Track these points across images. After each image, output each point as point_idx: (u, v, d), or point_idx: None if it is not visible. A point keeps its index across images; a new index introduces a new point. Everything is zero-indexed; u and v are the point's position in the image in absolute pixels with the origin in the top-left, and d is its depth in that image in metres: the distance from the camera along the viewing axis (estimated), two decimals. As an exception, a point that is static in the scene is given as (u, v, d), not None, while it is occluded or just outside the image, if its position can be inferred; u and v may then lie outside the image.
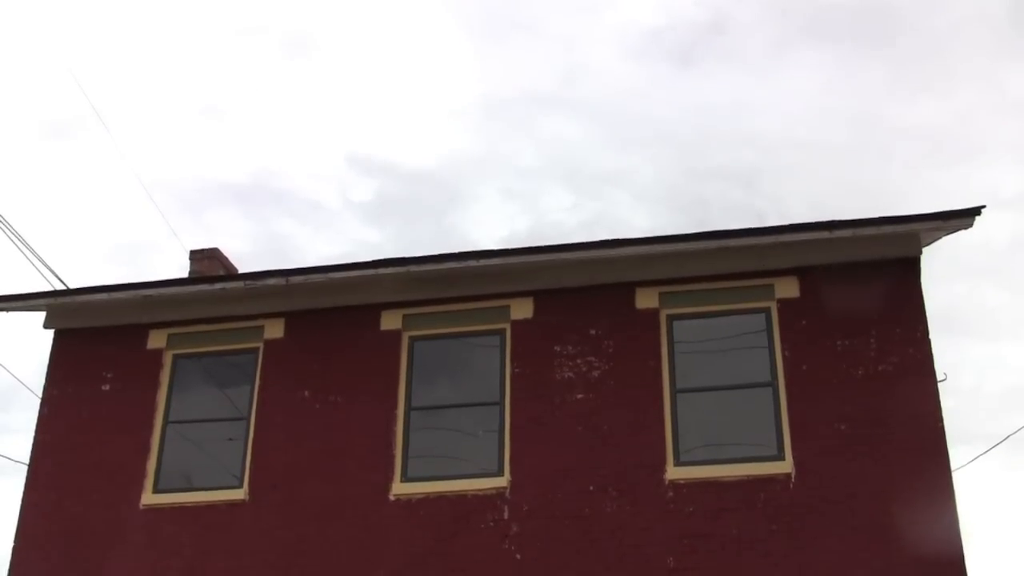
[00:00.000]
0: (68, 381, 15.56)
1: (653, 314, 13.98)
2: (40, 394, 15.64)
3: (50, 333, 16.01)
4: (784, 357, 13.47)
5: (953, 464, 12.82)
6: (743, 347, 13.80)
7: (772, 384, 13.44)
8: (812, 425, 13.05)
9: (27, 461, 15.37)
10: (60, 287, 17.60)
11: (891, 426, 12.90)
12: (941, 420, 12.91)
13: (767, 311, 13.82)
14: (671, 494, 13.05)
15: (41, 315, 16.03)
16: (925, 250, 13.75)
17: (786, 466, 12.94)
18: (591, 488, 13.24)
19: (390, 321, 14.67)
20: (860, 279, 13.66)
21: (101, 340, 15.67)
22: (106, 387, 15.35)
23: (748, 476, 12.97)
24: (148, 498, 14.52)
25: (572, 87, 52.96)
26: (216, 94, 54.50)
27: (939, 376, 13.28)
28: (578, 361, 13.88)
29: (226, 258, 17.90)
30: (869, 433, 12.90)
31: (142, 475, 14.70)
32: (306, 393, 14.54)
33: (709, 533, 12.79)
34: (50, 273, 18.41)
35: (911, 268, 13.72)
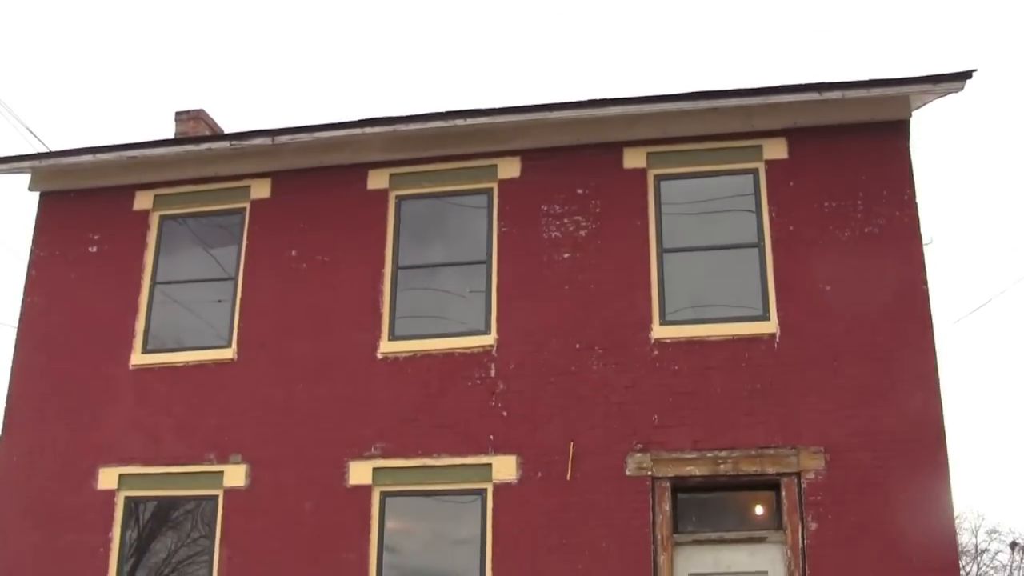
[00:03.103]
0: (55, 243, 15.56)
1: (641, 174, 13.93)
2: (23, 255, 15.65)
3: (36, 196, 15.97)
4: (771, 218, 13.47)
5: (938, 325, 12.93)
6: (730, 208, 13.79)
7: (758, 245, 13.46)
8: (798, 285, 13.12)
9: (15, 323, 15.46)
10: (43, 149, 17.45)
11: (876, 288, 12.97)
12: (925, 282, 12.99)
13: (755, 172, 13.77)
14: (656, 352, 13.15)
15: (26, 177, 15.95)
16: (916, 113, 13.69)
17: (771, 326, 13.02)
18: (577, 346, 13.35)
19: (377, 180, 14.61)
20: (849, 141, 13.61)
21: (87, 202, 15.63)
22: (93, 249, 15.34)
23: (733, 336, 13.06)
24: (137, 358, 14.62)
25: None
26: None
27: (925, 239, 13.33)
28: (565, 220, 13.87)
29: (212, 119, 17.74)
30: (854, 294, 12.98)
31: (131, 336, 14.78)
32: (293, 253, 14.54)
33: (694, 391, 12.93)
34: (32, 136, 18.25)
35: (900, 131, 13.66)
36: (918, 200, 13.32)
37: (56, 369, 14.84)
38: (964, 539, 49.92)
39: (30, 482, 14.37)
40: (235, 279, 14.72)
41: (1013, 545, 51.95)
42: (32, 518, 14.20)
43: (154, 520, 14.31)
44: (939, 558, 11.99)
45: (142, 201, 15.39)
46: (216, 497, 13.85)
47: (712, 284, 13.53)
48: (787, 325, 12.99)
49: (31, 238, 15.70)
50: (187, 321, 14.85)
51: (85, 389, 14.64)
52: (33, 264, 15.54)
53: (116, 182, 15.48)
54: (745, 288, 13.34)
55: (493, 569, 12.79)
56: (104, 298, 15.03)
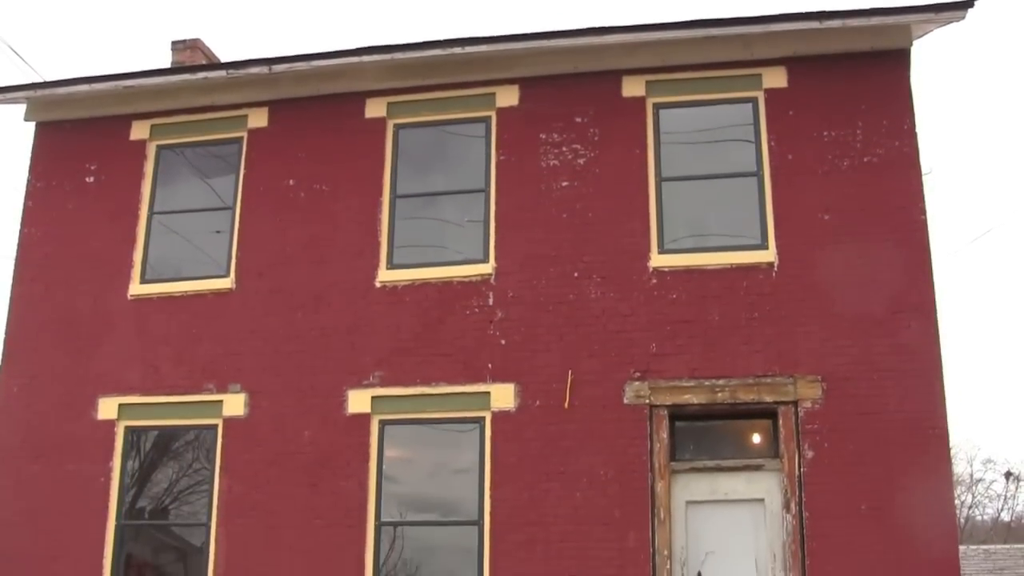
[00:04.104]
0: (52, 174, 15.52)
1: (639, 102, 13.84)
2: (20, 187, 15.60)
3: (32, 126, 15.90)
4: (770, 147, 13.41)
5: (936, 255, 12.92)
6: (729, 137, 13.73)
7: (757, 174, 13.41)
8: (796, 215, 13.09)
9: (13, 254, 15.45)
10: (38, 79, 17.33)
11: (874, 217, 12.95)
12: (924, 212, 12.96)
13: (754, 101, 13.69)
14: (655, 281, 13.15)
15: (21, 108, 15.87)
16: (917, 43, 13.60)
17: (769, 255, 13.02)
18: (575, 275, 13.35)
19: (375, 109, 14.52)
20: (849, 71, 13.53)
21: (83, 132, 15.56)
22: (90, 179, 15.30)
23: (731, 264, 13.06)
24: (135, 288, 14.62)
25: None
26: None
27: (925, 169, 13.31)
28: (564, 149, 13.81)
29: (208, 48, 17.59)
30: (852, 223, 12.96)
31: (129, 266, 14.77)
32: (291, 182, 14.49)
33: (692, 320, 12.94)
34: (27, 66, 18.15)
35: (900, 61, 13.57)
36: (918, 130, 13.29)
37: (54, 300, 14.85)
38: (960, 469, 50.42)
39: (30, 412, 14.44)
40: (233, 209, 14.67)
41: (1008, 475, 52.50)
42: (32, 448, 14.28)
43: (154, 450, 14.39)
44: (934, 486, 12.07)
45: (139, 131, 15.31)
46: (215, 426, 13.91)
47: (711, 213, 13.53)
48: (785, 254, 12.99)
49: (27, 169, 15.64)
50: (185, 251, 14.83)
51: (84, 320, 14.66)
52: (30, 195, 15.50)
53: (112, 112, 15.39)
54: (744, 217, 13.32)
55: (491, 496, 12.87)
56: (101, 228, 15.00)
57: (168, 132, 15.26)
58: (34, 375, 14.59)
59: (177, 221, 14.95)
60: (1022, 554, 32.43)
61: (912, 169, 13.12)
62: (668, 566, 12.31)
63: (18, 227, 15.45)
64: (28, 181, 15.57)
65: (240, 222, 14.54)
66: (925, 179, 13.25)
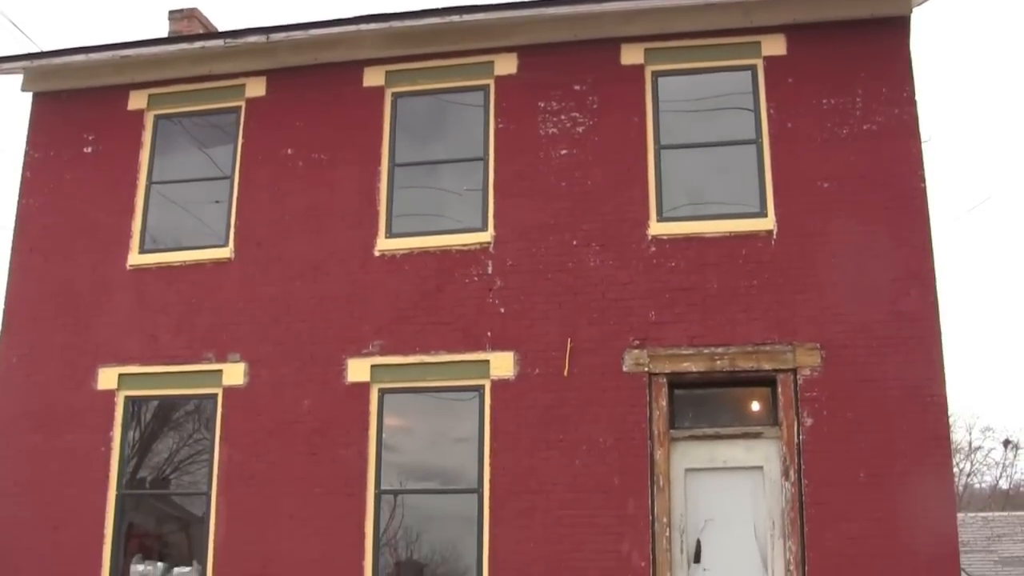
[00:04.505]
0: (50, 144, 15.47)
1: (638, 70, 13.78)
2: (16, 156, 15.56)
3: (29, 97, 15.84)
4: (769, 115, 13.37)
5: (936, 223, 12.90)
6: (728, 105, 13.69)
7: (756, 142, 13.37)
8: (795, 183, 13.06)
9: (12, 225, 15.43)
10: (35, 49, 17.28)
11: (874, 185, 12.92)
12: (923, 180, 12.93)
13: (753, 69, 13.63)
14: (654, 249, 13.14)
15: (18, 78, 15.81)
16: (917, 10, 13.54)
17: (768, 223, 12.99)
18: (574, 243, 13.33)
19: (373, 78, 14.47)
20: (848, 38, 13.46)
21: (81, 102, 15.51)
22: (88, 149, 15.26)
23: (730, 232, 13.04)
24: (134, 258, 14.61)
25: None
26: None
27: (924, 137, 13.26)
28: (562, 117, 13.77)
29: (205, 18, 17.54)
30: (852, 192, 12.93)
31: (127, 236, 14.75)
32: (289, 151, 14.45)
33: (691, 288, 12.94)
34: (23, 35, 18.07)
35: (900, 27, 13.50)
36: (917, 98, 13.24)
37: (53, 270, 14.84)
38: (958, 437, 50.56)
39: (30, 383, 14.45)
40: (231, 178, 14.62)
41: (1006, 443, 52.65)
42: (33, 419, 14.30)
43: (154, 419, 14.41)
44: (933, 454, 12.09)
45: (136, 101, 15.26)
46: (215, 396, 13.92)
47: (710, 181, 13.50)
48: (784, 222, 12.96)
49: (25, 139, 15.60)
50: (184, 221, 14.80)
51: (83, 290, 14.65)
52: (28, 165, 15.46)
53: (110, 82, 15.34)
54: (743, 185, 13.29)
55: (491, 464, 12.90)
56: (100, 199, 14.97)
57: (166, 102, 15.21)
58: (33, 345, 14.60)
59: (175, 191, 14.92)
60: (1020, 521, 32.61)
61: (911, 137, 13.08)
62: (667, 533, 12.35)
63: (16, 198, 15.41)
64: (26, 152, 15.52)
65: (238, 191, 14.50)
66: (924, 147, 13.20)
